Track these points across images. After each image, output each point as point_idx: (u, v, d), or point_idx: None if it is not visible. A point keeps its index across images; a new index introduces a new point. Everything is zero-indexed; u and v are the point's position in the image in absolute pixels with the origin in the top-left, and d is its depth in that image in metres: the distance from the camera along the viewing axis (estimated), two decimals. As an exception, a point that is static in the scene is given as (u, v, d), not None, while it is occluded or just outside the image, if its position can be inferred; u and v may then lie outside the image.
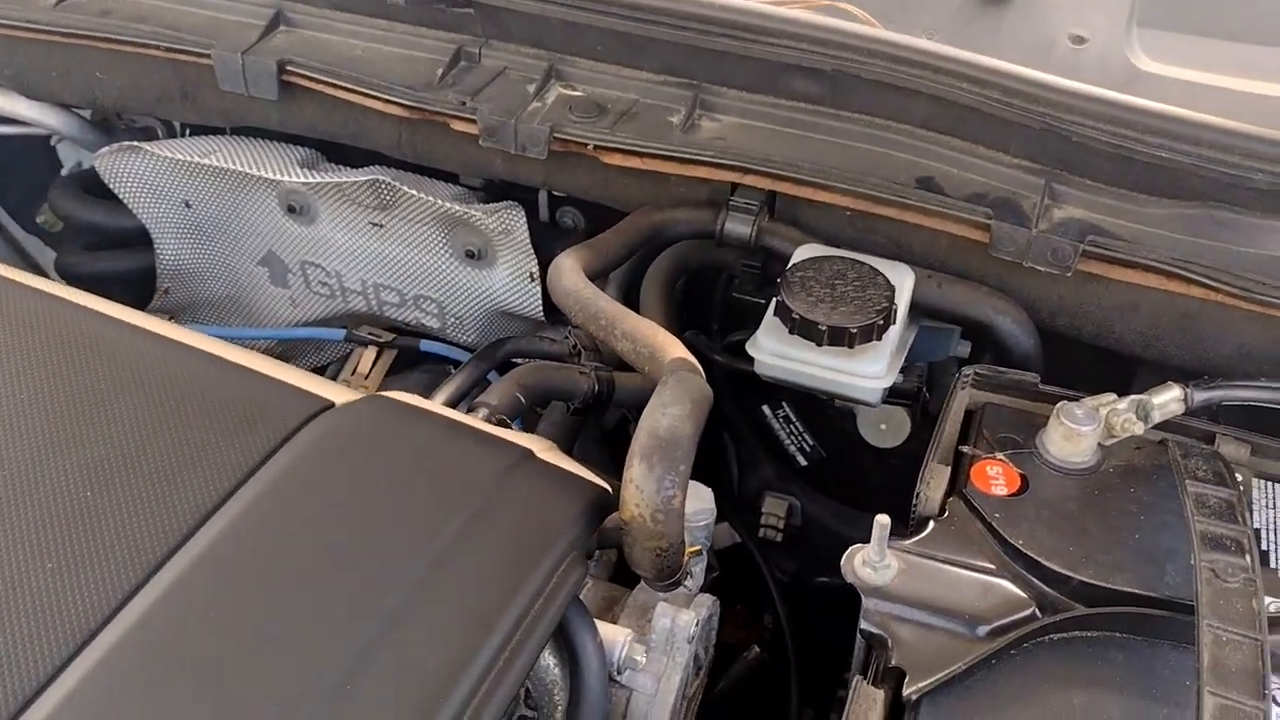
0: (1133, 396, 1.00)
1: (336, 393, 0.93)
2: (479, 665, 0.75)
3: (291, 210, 1.56)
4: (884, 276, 1.09)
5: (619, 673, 0.95)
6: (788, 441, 1.57)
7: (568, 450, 1.16)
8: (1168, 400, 1.00)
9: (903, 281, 1.12)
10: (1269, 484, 0.98)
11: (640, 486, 0.83)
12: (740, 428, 1.57)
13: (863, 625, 0.88)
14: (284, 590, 0.77)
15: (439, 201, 1.40)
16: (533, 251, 1.41)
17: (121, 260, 1.69)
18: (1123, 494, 0.96)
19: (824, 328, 1.05)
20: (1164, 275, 1.06)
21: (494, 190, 1.50)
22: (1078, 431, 0.97)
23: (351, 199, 1.50)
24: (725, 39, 1.17)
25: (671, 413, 0.86)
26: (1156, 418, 0.99)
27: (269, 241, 1.64)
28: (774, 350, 1.10)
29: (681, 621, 0.97)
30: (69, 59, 1.44)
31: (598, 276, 1.17)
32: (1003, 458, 0.99)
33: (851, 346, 1.06)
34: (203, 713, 0.70)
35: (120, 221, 1.62)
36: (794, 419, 1.55)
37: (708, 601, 1.03)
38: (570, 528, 0.85)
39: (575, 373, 1.18)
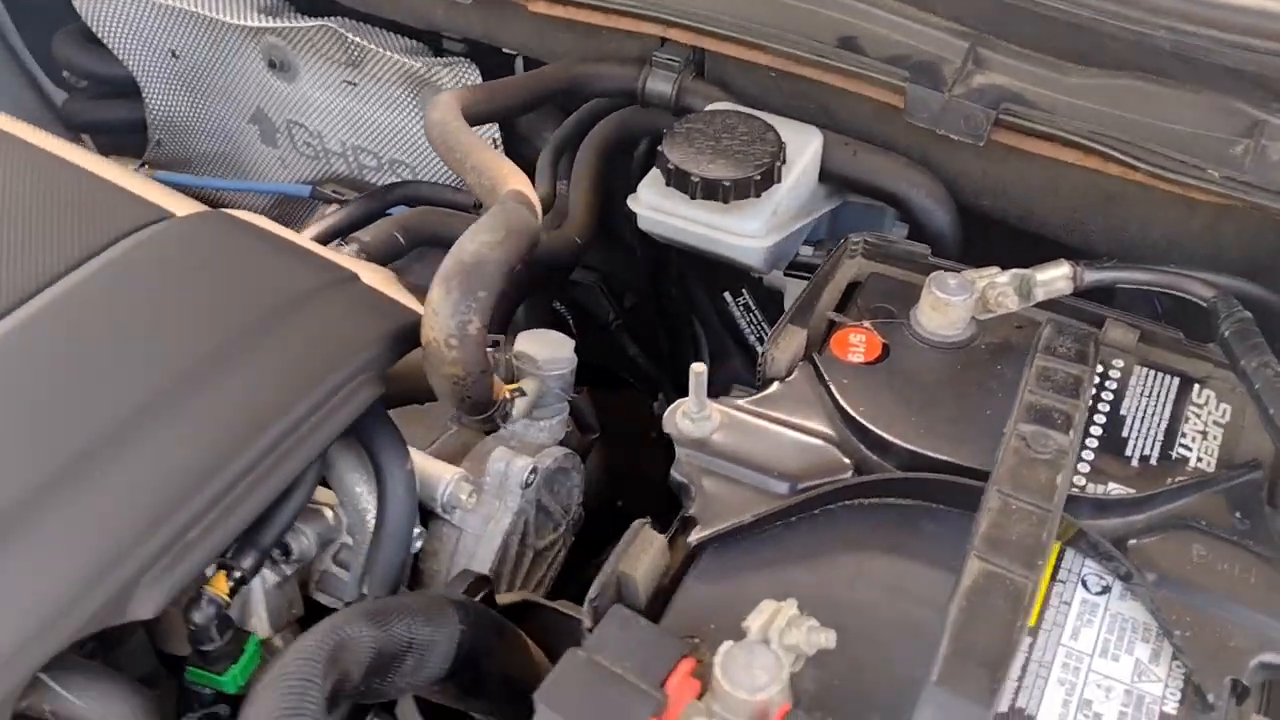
0: (1015, 270, 0.93)
1: (186, 208, 0.93)
2: (238, 465, 0.74)
3: (273, 65, 1.57)
4: (775, 133, 1.03)
5: (446, 511, 0.94)
6: (748, 331, 1.51)
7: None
8: (1054, 278, 0.92)
9: (806, 143, 1.06)
10: (1149, 371, 0.90)
11: (437, 310, 0.81)
12: (710, 317, 1.53)
13: (672, 474, 0.84)
14: (58, 377, 0.77)
15: (389, 54, 1.39)
16: None
17: (119, 109, 1.73)
18: (987, 370, 0.90)
19: (696, 179, 0.99)
20: (1080, 150, 0.98)
21: (474, 54, 1.47)
22: (947, 302, 0.91)
23: (324, 54, 1.50)
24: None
25: (481, 239, 0.84)
26: (1039, 295, 0.92)
27: (256, 98, 1.66)
28: (651, 203, 1.05)
29: (516, 466, 0.95)
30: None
31: (485, 119, 1.14)
32: (868, 325, 0.93)
33: (726, 201, 1.01)
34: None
35: (114, 70, 1.66)
36: (753, 307, 1.49)
37: (558, 454, 1.00)
38: (371, 347, 0.83)
39: (470, 222, 1.15)
